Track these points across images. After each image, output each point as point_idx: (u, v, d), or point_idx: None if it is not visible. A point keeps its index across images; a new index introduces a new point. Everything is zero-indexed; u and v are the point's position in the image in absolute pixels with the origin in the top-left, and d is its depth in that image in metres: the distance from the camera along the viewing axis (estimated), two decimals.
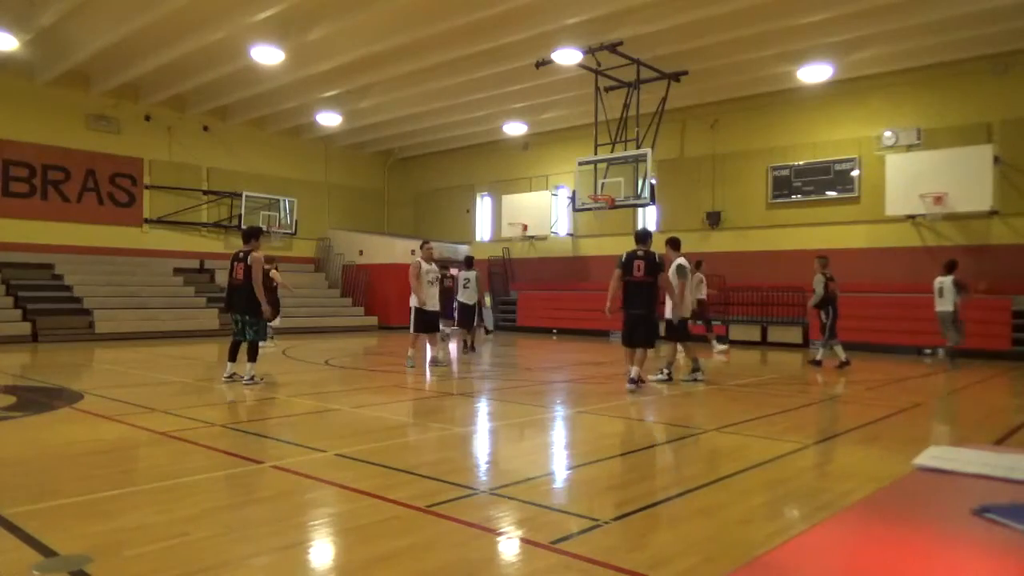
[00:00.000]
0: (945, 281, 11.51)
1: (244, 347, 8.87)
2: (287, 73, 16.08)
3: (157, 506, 3.78)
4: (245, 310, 8.68)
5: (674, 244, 9.57)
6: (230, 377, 8.77)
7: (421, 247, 10.87)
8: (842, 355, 11.32)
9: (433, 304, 10.55)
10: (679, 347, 9.73)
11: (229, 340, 9.15)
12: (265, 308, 8.72)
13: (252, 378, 8.70)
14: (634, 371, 8.37)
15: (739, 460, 5.19)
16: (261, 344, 9.18)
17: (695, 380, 9.25)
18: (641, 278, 8.36)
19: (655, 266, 8.38)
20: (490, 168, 22.73)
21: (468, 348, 13.51)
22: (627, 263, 8.46)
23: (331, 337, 17.97)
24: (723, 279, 16.64)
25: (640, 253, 8.43)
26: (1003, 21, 12.58)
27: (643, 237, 8.61)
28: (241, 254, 8.74)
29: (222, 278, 20.14)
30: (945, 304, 11.48)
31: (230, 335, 9.16)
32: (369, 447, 5.32)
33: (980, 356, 13.17)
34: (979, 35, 13.19)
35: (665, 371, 9.41)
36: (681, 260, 9.38)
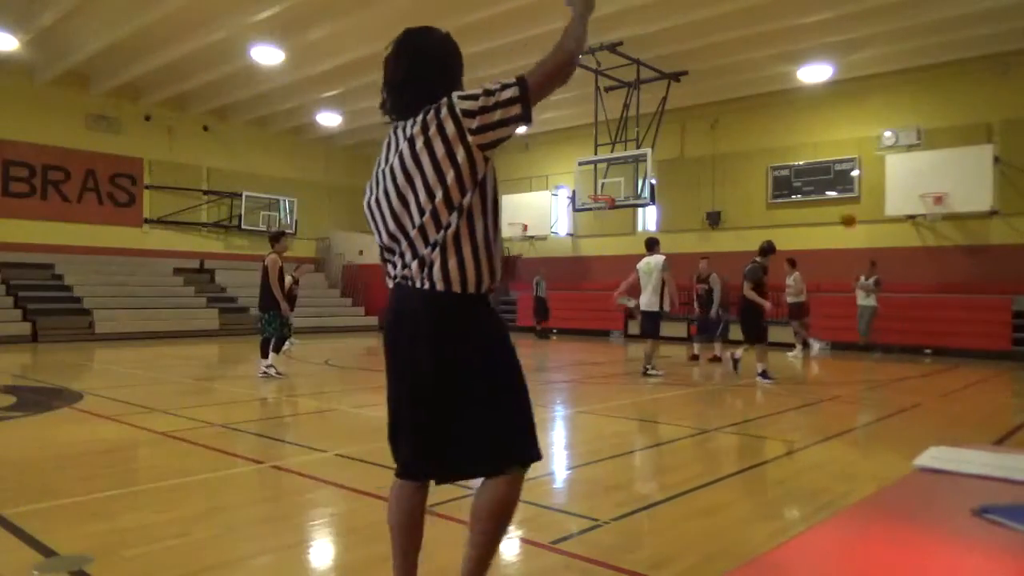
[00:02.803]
0: (871, 280, 13.15)
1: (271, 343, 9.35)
2: (287, 73, 16.08)
3: (157, 506, 3.78)
4: (261, 308, 9.26)
5: (649, 244, 10.15)
6: (266, 368, 9.16)
7: None
8: (711, 352, 12.26)
9: None
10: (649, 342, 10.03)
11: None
12: (283, 307, 9.16)
13: (264, 372, 9.12)
14: (759, 367, 9.30)
15: (739, 460, 5.20)
16: (287, 343, 9.76)
17: (649, 375, 9.65)
18: (739, 284, 9.57)
19: (744, 274, 9.45)
20: None
21: None
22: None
23: (331, 337, 17.97)
24: (723, 279, 16.62)
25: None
26: (1003, 21, 12.58)
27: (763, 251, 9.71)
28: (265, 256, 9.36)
29: (222, 278, 20.20)
30: (871, 300, 13.28)
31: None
32: (369, 447, 5.31)
33: (980, 356, 13.18)
34: (979, 35, 13.20)
35: (648, 367, 9.77)
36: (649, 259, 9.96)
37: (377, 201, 2.26)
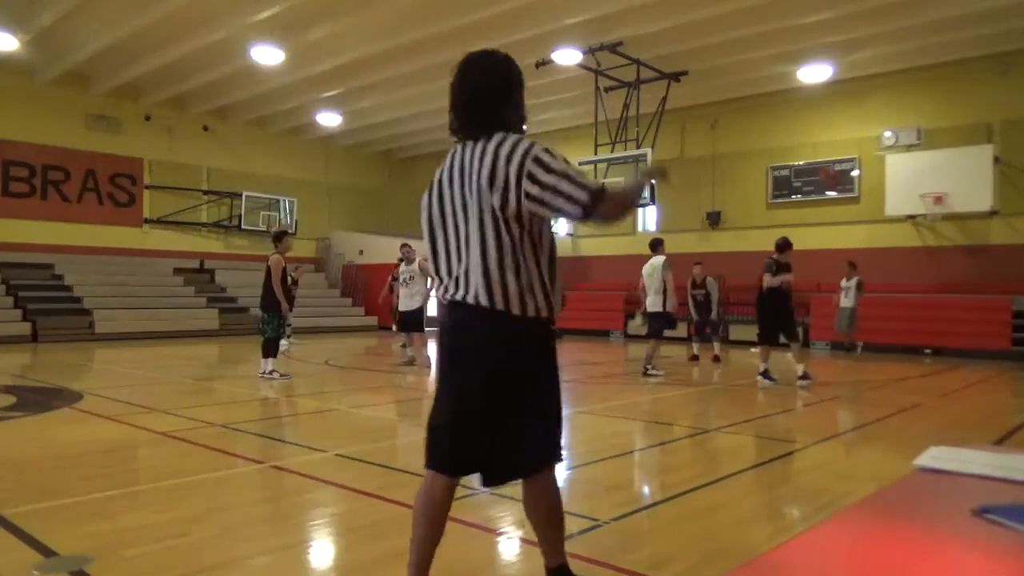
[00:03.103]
0: (851, 282, 13.33)
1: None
2: (287, 73, 16.08)
3: (157, 506, 3.78)
4: (262, 307, 9.25)
5: (652, 245, 10.31)
6: (268, 374, 9.10)
7: (400, 248, 11.12)
8: (711, 352, 12.62)
9: (407, 304, 10.67)
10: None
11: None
12: (283, 307, 9.16)
13: (264, 373, 9.09)
14: (761, 366, 9.12)
15: (739, 460, 5.20)
16: (284, 343, 9.68)
17: (648, 376, 9.65)
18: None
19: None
20: None
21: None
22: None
23: (331, 337, 17.97)
24: (723, 279, 16.64)
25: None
26: (1003, 21, 12.57)
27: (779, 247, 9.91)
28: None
29: (222, 278, 20.20)
30: (850, 301, 13.29)
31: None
32: (369, 447, 5.32)
33: (980, 356, 13.18)
34: (979, 35, 13.19)
35: (648, 367, 9.77)
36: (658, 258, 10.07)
37: (441, 215, 2.40)
